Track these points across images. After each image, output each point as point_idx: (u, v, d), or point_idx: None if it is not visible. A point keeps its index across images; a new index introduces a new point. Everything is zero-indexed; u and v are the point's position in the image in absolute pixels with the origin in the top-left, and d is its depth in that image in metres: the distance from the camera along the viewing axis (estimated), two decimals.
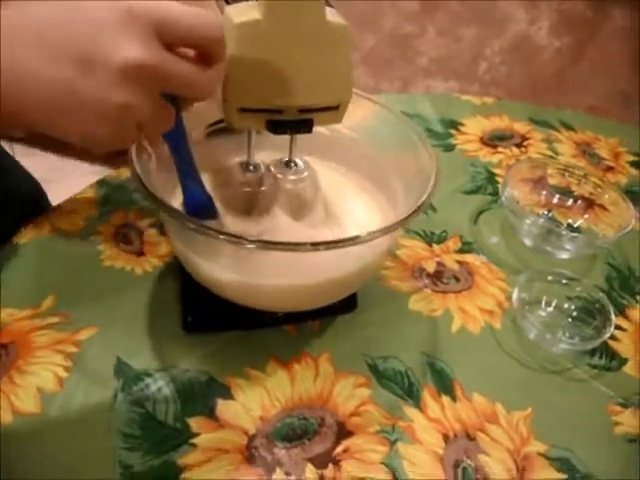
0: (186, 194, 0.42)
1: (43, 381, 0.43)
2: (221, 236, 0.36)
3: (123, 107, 0.29)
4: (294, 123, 0.39)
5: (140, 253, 0.55)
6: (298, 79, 0.37)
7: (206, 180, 0.45)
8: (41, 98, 0.29)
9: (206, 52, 0.32)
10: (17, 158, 0.66)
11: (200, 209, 0.43)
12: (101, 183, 0.62)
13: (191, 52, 0.31)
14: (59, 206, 0.59)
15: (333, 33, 0.36)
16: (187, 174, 0.41)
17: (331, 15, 0.36)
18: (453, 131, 0.79)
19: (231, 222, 0.45)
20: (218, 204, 0.45)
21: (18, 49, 0.28)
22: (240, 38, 0.35)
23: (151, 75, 0.29)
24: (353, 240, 0.37)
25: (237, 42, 0.35)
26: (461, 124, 0.81)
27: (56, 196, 0.61)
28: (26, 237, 0.55)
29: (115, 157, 0.48)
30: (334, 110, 0.40)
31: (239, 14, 0.35)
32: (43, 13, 0.29)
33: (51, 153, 0.48)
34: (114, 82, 0.29)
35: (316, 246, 0.38)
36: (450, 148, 0.76)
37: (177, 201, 0.44)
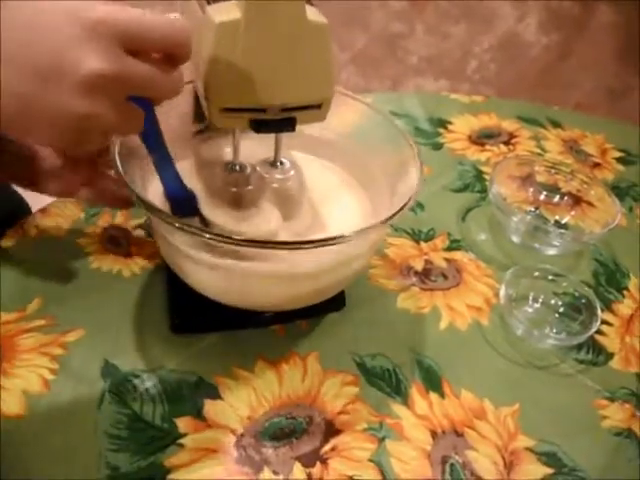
0: (165, 189, 0.43)
1: (29, 384, 0.43)
2: (207, 236, 0.36)
3: (85, 117, 0.30)
4: (277, 122, 0.39)
5: (127, 255, 0.55)
6: (280, 78, 0.37)
7: (193, 179, 0.45)
8: (6, 109, 0.30)
9: (170, 54, 0.32)
10: None
11: (181, 203, 0.43)
12: None
13: (156, 54, 0.32)
14: (45, 208, 0.59)
15: (314, 32, 0.36)
16: (164, 169, 0.41)
17: (312, 14, 0.36)
18: (441, 130, 0.79)
19: (217, 221, 0.45)
20: (204, 203, 0.45)
21: None
22: (221, 38, 0.35)
23: (113, 83, 0.30)
24: (337, 239, 0.37)
25: (218, 42, 0.35)
26: (449, 123, 0.81)
27: (43, 198, 0.60)
28: (12, 240, 0.55)
29: (79, 189, 0.48)
30: (317, 108, 0.40)
31: (220, 13, 0.35)
32: (5, 29, 0.28)
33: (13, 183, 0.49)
34: (76, 94, 0.30)
35: (299, 245, 0.38)
36: (438, 147, 0.76)
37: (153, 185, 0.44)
